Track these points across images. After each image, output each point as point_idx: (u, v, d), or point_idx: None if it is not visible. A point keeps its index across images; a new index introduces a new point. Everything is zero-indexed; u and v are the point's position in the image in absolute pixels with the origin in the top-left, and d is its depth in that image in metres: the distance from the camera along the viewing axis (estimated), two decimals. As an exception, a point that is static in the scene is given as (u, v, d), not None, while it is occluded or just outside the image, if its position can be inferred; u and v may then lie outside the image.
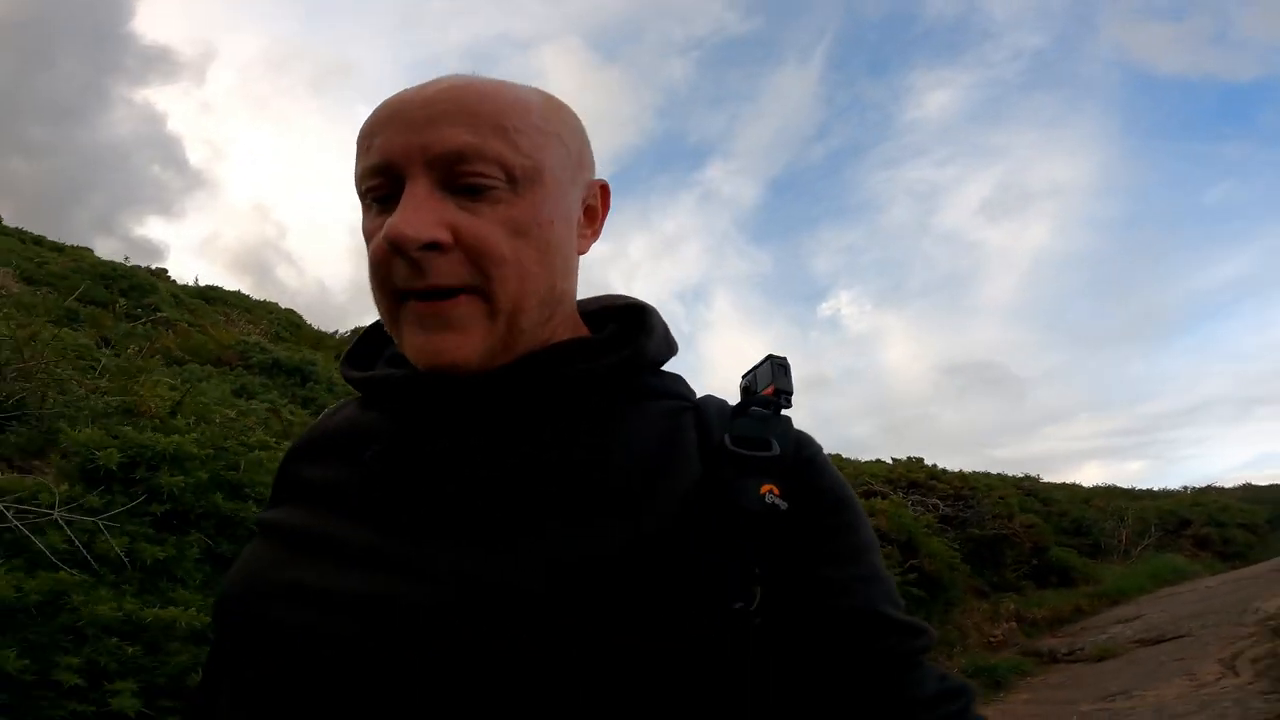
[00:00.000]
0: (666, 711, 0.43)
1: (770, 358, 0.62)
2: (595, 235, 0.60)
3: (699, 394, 0.61)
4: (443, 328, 0.50)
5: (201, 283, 9.79)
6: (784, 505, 0.49)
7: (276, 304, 10.44)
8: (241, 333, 7.49)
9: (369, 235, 0.52)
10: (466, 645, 0.43)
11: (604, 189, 0.60)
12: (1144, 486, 16.76)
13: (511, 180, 0.50)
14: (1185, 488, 16.16)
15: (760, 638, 0.46)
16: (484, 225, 0.49)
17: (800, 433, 0.56)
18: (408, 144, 0.49)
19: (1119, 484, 16.57)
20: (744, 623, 0.46)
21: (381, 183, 0.51)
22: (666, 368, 0.61)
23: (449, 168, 0.49)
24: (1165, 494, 15.56)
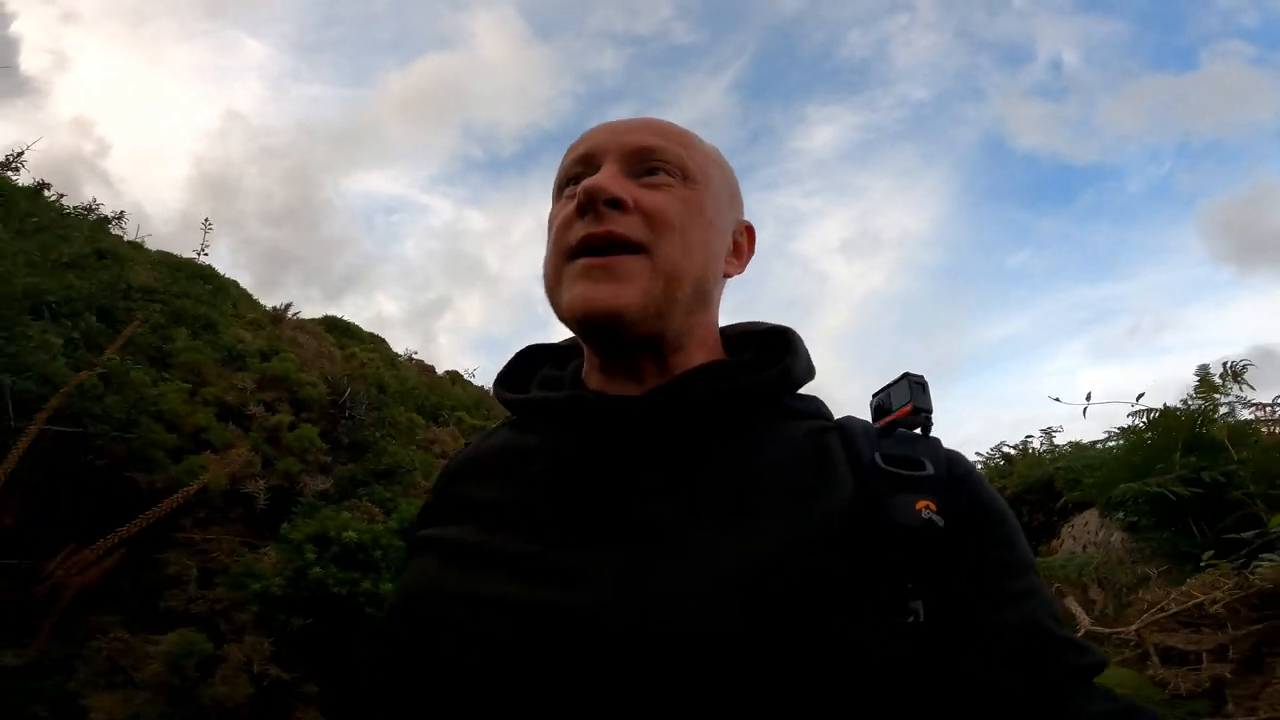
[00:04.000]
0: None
1: (907, 375, 0.62)
2: (740, 268, 0.68)
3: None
4: (608, 278, 0.56)
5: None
6: (940, 522, 0.50)
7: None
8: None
9: (554, 217, 0.62)
10: (632, 649, 0.45)
11: (750, 230, 0.69)
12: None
13: (685, 176, 0.61)
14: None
15: (925, 651, 0.46)
16: (660, 197, 0.59)
17: (951, 451, 0.57)
18: (609, 141, 0.62)
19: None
20: (912, 636, 0.46)
21: (580, 170, 0.62)
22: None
23: (638, 161, 0.60)
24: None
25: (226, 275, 7.20)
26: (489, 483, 0.60)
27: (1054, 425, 6.19)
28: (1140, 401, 3.74)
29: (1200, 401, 3.74)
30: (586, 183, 0.57)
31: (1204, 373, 3.81)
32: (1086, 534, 5.04)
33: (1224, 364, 3.80)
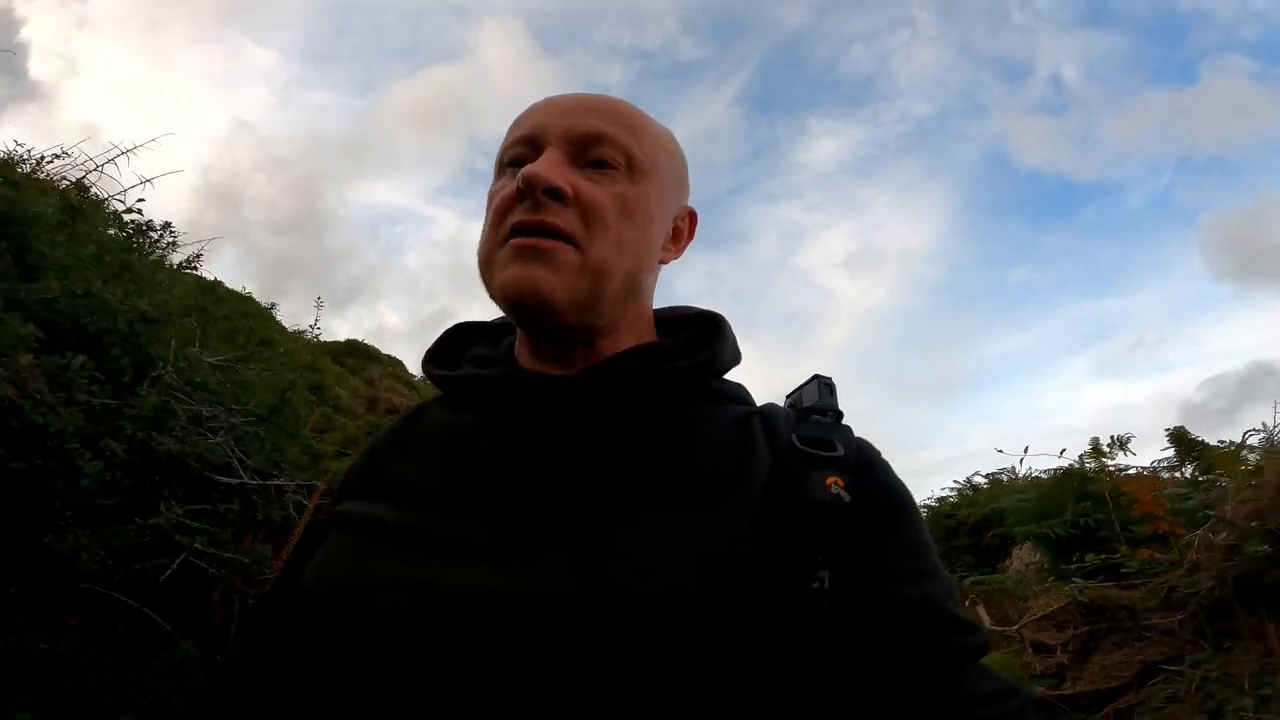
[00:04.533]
0: (749, 692, 0.46)
1: (817, 377, 0.65)
2: (677, 254, 0.68)
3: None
4: (538, 260, 0.55)
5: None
6: (847, 498, 0.53)
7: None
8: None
9: (494, 194, 0.61)
10: (580, 634, 0.45)
11: (692, 215, 0.69)
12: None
13: (630, 167, 0.60)
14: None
15: (828, 621, 0.49)
16: (600, 193, 0.58)
17: (861, 439, 0.60)
18: (554, 123, 0.60)
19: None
20: (818, 602, 0.49)
21: (523, 151, 0.60)
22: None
23: (583, 147, 0.59)
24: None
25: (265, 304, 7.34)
26: (420, 461, 0.60)
27: (1006, 464, 7.46)
28: (1064, 455, 5.12)
29: (1090, 463, 5.11)
30: (527, 170, 0.56)
31: (1095, 443, 5.18)
32: (1029, 556, 6.38)
33: (1111, 436, 5.16)
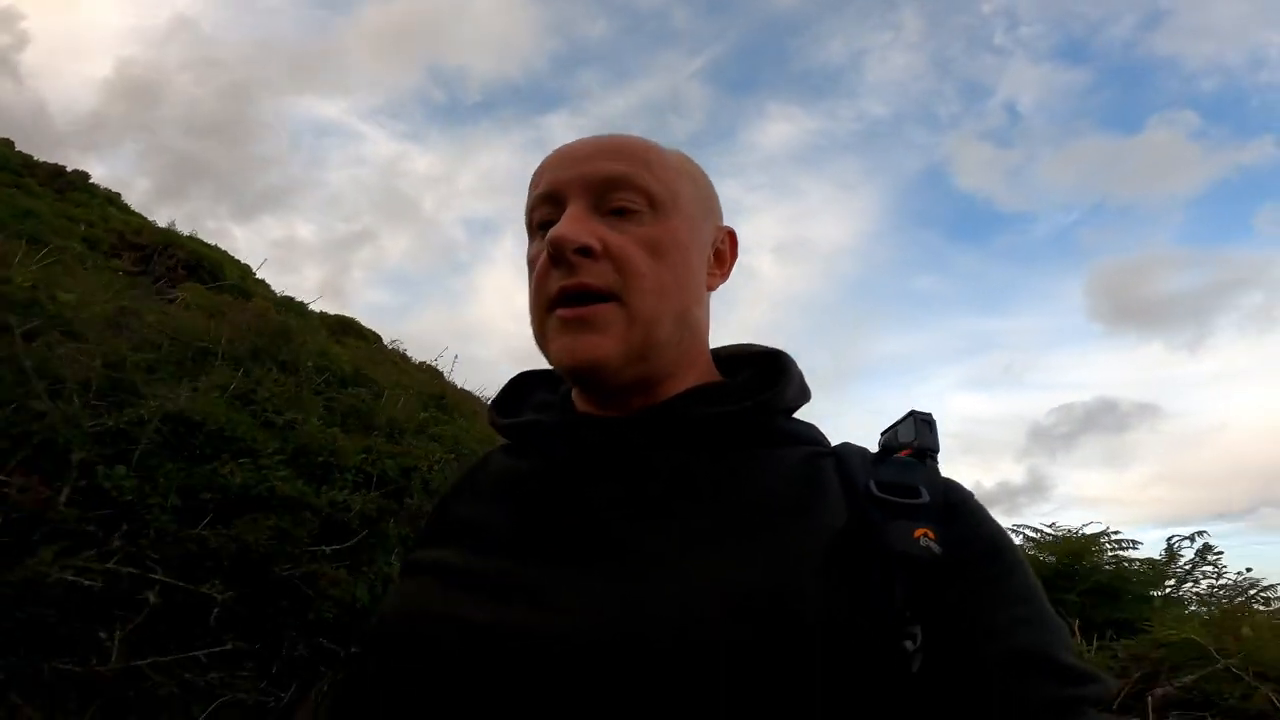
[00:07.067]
0: None
1: (913, 413, 0.61)
2: (724, 277, 0.67)
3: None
4: (585, 329, 0.56)
5: None
6: (938, 550, 0.50)
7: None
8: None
9: (532, 260, 0.61)
10: (622, 674, 0.45)
11: (731, 235, 0.68)
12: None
13: (652, 206, 0.59)
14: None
15: (918, 681, 0.46)
16: (628, 241, 0.58)
17: (948, 479, 0.56)
18: (570, 175, 0.60)
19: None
20: (908, 661, 0.46)
21: (548, 211, 0.60)
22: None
23: (603, 194, 0.59)
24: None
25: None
26: (480, 505, 0.62)
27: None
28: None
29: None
30: (553, 234, 0.57)
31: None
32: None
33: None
